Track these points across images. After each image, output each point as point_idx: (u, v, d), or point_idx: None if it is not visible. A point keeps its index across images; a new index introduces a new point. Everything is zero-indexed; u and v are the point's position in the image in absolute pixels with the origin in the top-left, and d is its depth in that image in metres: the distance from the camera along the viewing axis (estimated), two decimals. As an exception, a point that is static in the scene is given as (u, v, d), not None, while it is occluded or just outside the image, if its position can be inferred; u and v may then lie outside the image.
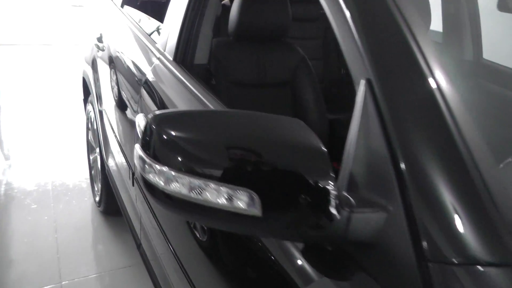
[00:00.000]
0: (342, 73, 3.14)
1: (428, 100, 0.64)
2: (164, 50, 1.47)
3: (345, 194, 0.62)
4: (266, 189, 0.57)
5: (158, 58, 1.47)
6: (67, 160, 3.24)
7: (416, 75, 0.66)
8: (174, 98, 1.29)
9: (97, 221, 2.58)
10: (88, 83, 2.49)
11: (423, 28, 0.73)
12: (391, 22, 0.71)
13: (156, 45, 1.56)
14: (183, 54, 1.39)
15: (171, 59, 1.41)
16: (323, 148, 0.61)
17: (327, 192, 0.58)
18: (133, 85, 1.62)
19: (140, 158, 0.61)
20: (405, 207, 0.60)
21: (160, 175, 0.58)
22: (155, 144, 0.59)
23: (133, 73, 1.64)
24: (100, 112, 2.18)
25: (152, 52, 1.55)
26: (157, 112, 0.62)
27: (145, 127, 0.61)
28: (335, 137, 1.79)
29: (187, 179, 0.56)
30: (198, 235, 1.08)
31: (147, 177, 0.60)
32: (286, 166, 0.58)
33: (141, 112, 1.44)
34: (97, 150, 2.56)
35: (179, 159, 0.57)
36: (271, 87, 1.82)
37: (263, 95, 1.82)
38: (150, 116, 0.61)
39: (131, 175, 1.60)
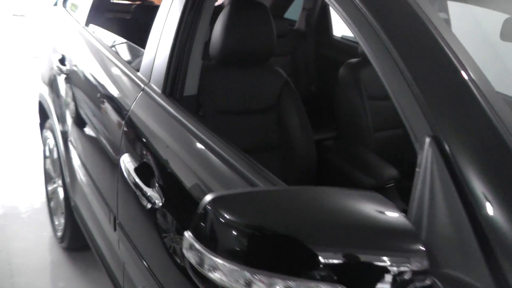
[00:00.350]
0: (311, 90, 3.11)
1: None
2: (149, 81, 1.33)
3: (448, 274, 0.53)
4: (357, 283, 0.48)
5: (143, 90, 1.33)
6: (20, 190, 2.95)
7: (491, 131, 0.60)
8: (169, 137, 1.16)
9: (60, 258, 2.34)
10: (46, 107, 2.26)
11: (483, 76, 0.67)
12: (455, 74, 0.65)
13: (138, 74, 1.41)
14: (172, 86, 1.26)
15: (159, 91, 1.27)
16: (410, 224, 0.52)
17: (424, 273, 0.50)
18: (111, 118, 1.46)
19: (196, 249, 0.49)
20: (496, 283, 0.53)
21: (229, 275, 0.46)
22: (217, 234, 0.48)
23: (110, 105, 1.48)
24: (65, 142, 1.97)
25: (133, 82, 1.40)
26: (214, 194, 0.50)
27: (200, 212, 0.49)
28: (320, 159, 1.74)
29: (263, 279, 0.45)
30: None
31: (208, 275, 0.48)
32: (377, 253, 0.49)
33: (126, 151, 1.28)
34: (59, 181, 2.33)
35: (248, 252, 0.46)
36: (257, 114, 1.73)
37: (249, 122, 1.72)
38: (207, 198, 0.50)
39: (112, 219, 1.43)
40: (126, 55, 1.60)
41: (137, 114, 1.29)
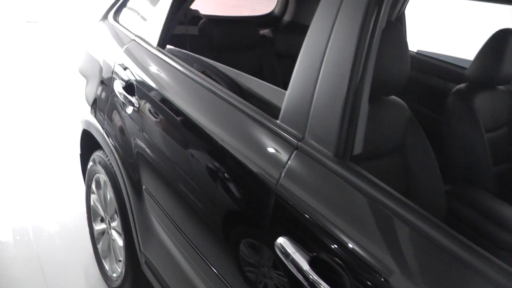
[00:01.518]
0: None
1: None
2: (304, 136, 1.00)
3: None
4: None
5: (297, 148, 1.01)
6: (58, 223, 2.59)
7: None
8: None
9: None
10: (99, 139, 1.92)
11: None
12: None
13: (278, 122, 1.08)
14: (346, 144, 0.95)
15: (327, 152, 0.96)
16: None
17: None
18: (239, 185, 1.13)
19: None
20: None
21: None
22: None
23: (234, 167, 1.14)
24: (137, 188, 1.63)
25: (275, 135, 1.06)
26: None
27: None
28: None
29: None
30: None
31: None
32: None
33: (281, 234, 0.96)
34: (113, 224, 2.00)
35: None
36: (384, 157, 1.43)
37: (377, 166, 1.43)
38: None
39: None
40: (242, 92, 1.26)
41: (295, 186, 0.97)
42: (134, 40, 1.73)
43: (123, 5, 1.97)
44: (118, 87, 1.69)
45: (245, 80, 1.28)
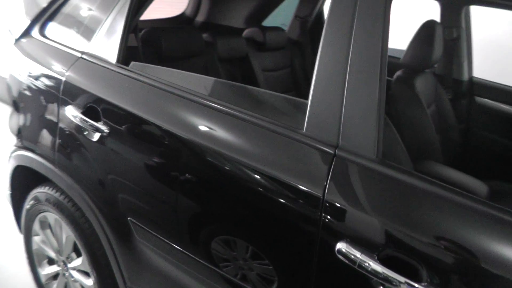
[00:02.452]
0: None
1: None
2: (339, 143, 1.02)
3: None
4: None
5: (336, 156, 1.01)
6: None
7: None
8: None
9: None
10: (52, 176, 1.67)
11: None
12: None
13: (313, 136, 1.05)
14: (378, 145, 0.99)
15: (370, 156, 0.98)
16: None
17: None
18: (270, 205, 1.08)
19: None
20: None
21: None
22: None
23: (259, 184, 1.10)
24: (116, 222, 1.48)
25: (313, 149, 1.05)
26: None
27: None
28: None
29: None
30: None
31: None
32: None
33: (339, 241, 0.96)
34: (71, 264, 1.79)
35: None
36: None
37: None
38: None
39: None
40: (249, 105, 1.21)
41: (344, 192, 0.98)
42: (81, 58, 1.54)
43: (51, 18, 1.73)
44: (72, 112, 1.49)
45: (250, 92, 1.24)
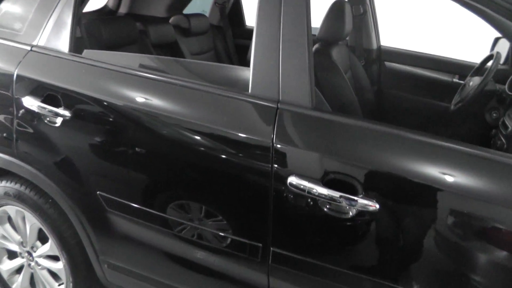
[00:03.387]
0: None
1: None
2: (293, 100, 1.28)
3: None
4: None
5: (280, 115, 1.26)
6: None
7: None
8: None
9: None
10: (14, 168, 1.72)
11: None
12: None
13: (258, 95, 1.29)
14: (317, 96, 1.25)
15: (307, 105, 1.25)
16: None
17: None
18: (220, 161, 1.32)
19: None
20: None
21: None
22: None
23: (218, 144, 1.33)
24: (86, 199, 1.61)
25: (258, 110, 1.30)
26: None
27: None
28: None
29: None
30: None
31: None
32: None
33: (290, 176, 1.22)
34: (33, 253, 1.87)
35: None
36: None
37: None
38: None
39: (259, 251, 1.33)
40: (201, 77, 1.40)
41: (290, 138, 1.23)
42: (32, 50, 1.63)
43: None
44: (29, 103, 1.58)
45: (197, 65, 1.44)
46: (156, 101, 1.41)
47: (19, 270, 2.01)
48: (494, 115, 1.98)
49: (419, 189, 1.11)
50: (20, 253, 1.96)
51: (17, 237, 1.93)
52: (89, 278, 1.80)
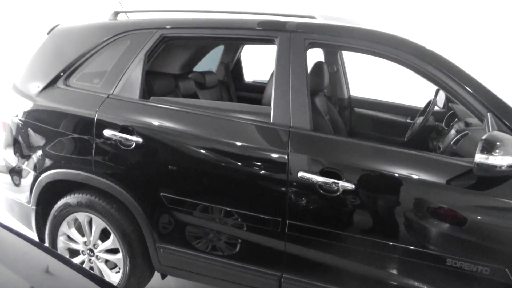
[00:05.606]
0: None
1: None
2: (299, 125, 2.03)
3: None
4: None
5: (291, 134, 2.01)
6: None
7: None
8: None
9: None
10: (93, 182, 2.40)
11: None
12: None
13: (277, 123, 2.05)
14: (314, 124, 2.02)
15: (309, 128, 2.01)
16: None
17: None
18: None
19: None
20: None
21: None
22: None
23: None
24: (152, 200, 2.27)
25: (275, 132, 2.05)
26: None
27: None
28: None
29: None
30: None
31: None
32: None
33: (299, 171, 1.96)
34: (95, 250, 2.47)
35: None
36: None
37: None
38: None
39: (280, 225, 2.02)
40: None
41: (299, 148, 1.97)
42: (109, 97, 2.32)
43: (72, 72, 2.47)
44: (108, 133, 2.24)
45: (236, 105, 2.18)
46: (203, 131, 2.14)
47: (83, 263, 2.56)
48: (435, 143, 2.75)
49: (379, 176, 1.84)
50: (82, 251, 2.52)
51: (81, 238, 2.50)
52: (143, 264, 2.38)
